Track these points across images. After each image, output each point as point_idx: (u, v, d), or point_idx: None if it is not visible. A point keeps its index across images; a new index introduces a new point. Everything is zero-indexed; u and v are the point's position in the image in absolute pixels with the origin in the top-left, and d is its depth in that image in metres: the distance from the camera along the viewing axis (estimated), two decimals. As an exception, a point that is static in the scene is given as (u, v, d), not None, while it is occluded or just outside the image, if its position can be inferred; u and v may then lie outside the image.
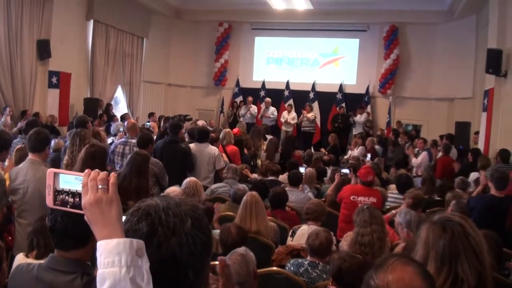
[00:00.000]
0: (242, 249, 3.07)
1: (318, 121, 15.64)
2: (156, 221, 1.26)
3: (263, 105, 15.56)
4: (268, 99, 15.61)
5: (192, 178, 5.37)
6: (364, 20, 15.84)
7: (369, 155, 10.04)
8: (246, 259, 2.91)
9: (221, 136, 8.46)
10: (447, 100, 14.72)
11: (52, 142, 7.18)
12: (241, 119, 15.15)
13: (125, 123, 7.69)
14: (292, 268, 3.78)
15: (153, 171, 5.74)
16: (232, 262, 2.91)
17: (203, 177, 7.01)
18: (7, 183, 4.30)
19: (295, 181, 6.58)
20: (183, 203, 1.33)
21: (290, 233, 4.88)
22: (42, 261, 1.93)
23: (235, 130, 9.89)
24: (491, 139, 9.70)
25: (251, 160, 9.14)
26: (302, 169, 7.43)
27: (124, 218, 1.30)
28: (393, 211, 5.34)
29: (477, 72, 12.84)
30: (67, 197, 1.32)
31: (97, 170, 1.28)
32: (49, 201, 1.34)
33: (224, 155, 7.83)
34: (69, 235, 1.74)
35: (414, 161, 10.08)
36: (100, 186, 1.25)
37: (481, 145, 10.13)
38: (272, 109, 15.44)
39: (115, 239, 1.18)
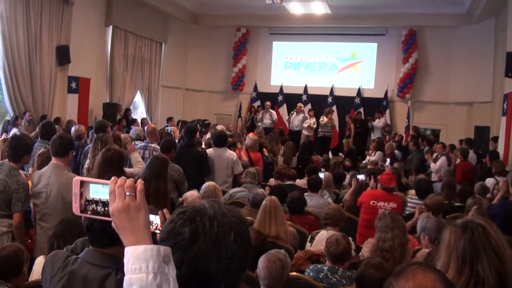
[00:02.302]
0: (282, 253, 3.06)
1: (336, 126, 15.57)
2: (200, 229, 1.26)
3: (280, 110, 15.51)
4: (268, 102, 15.60)
5: (211, 182, 5.38)
6: (382, 24, 15.77)
7: (388, 160, 9.95)
8: (284, 264, 2.90)
9: (247, 141, 8.47)
10: (466, 104, 14.57)
11: (72, 128, 7.27)
12: (259, 124, 15.15)
13: (145, 127, 7.74)
14: (311, 274, 3.76)
15: (173, 177, 5.77)
16: (269, 262, 2.89)
17: (222, 181, 7.01)
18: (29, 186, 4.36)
19: (315, 186, 6.55)
20: (230, 214, 1.32)
21: (308, 239, 4.86)
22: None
23: (251, 134, 9.89)
24: (511, 143, 9.57)
25: (270, 165, 9.13)
26: (321, 175, 7.39)
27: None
28: (415, 218, 5.26)
29: (497, 76, 12.68)
30: (97, 206, 1.33)
31: (123, 177, 1.28)
32: (75, 208, 1.35)
33: (244, 159, 7.84)
34: (106, 233, 1.75)
35: (433, 166, 9.97)
36: (127, 193, 1.25)
37: (500, 150, 9.99)
38: (273, 113, 15.43)
39: (142, 245, 1.19)
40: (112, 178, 1.28)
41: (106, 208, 1.30)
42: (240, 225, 1.32)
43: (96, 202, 1.33)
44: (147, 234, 1.23)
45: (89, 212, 1.34)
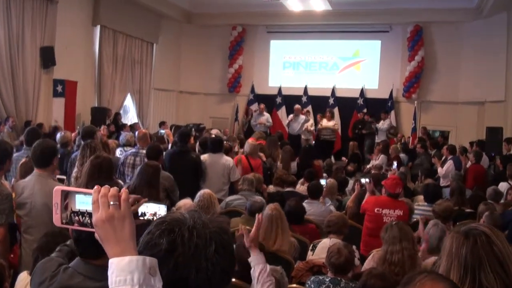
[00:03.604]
0: (278, 272, 3.08)
1: (338, 129, 15.56)
2: (178, 240, 1.27)
3: (279, 112, 15.51)
4: (262, 105, 15.60)
5: (206, 190, 5.38)
6: (386, 21, 15.79)
7: (395, 164, 9.95)
8: (280, 285, 2.92)
9: (246, 147, 8.47)
10: (477, 104, 14.57)
11: (58, 135, 7.24)
12: (257, 127, 15.11)
13: (136, 133, 7.74)
14: (312, 286, 3.75)
15: (164, 186, 5.77)
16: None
17: (218, 189, 6.99)
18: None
19: (315, 192, 6.55)
20: (211, 224, 1.33)
21: (310, 247, 4.86)
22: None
23: (250, 139, 9.89)
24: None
25: (268, 170, 9.13)
26: (323, 181, 7.39)
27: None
28: (419, 229, 5.20)
29: (509, 73, 12.72)
30: (84, 218, 1.34)
31: (107, 186, 1.29)
32: (56, 219, 1.36)
33: (239, 166, 7.84)
34: (96, 243, 1.76)
35: (440, 171, 9.95)
36: (111, 203, 1.26)
37: (514, 152, 10.02)
38: (266, 115, 15.42)
39: (128, 256, 1.19)
40: (95, 187, 1.29)
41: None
42: (222, 235, 1.33)
43: (83, 214, 1.34)
44: (133, 244, 1.24)
45: (75, 224, 1.34)
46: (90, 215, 1.32)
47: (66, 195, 1.34)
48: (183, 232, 1.28)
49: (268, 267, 2.93)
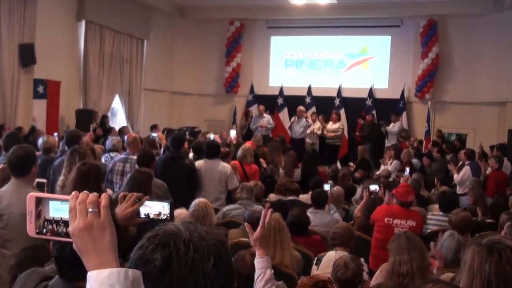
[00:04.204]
0: (281, 287, 3.06)
1: (345, 132, 15.57)
2: (174, 255, 1.26)
3: (280, 114, 15.50)
4: (261, 107, 15.65)
5: (202, 199, 5.37)
6: (397, 14, 15.82)
7: (407, 170, 9.95)
8: None
9: (239, 153, 8.46)
10: (498, 104, 14.56)
11: (40, 140, 7.21)
12: (258, 130, 15.10)
13: (125, 137, 7.72)
14: (318, 303, 3.74)
15: (157, 194, 5.75)
16: None
17: (214, 198, 7.00)
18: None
19: (320, 202, 6.53)
20: (209, 236, 1.33)
21: (315, 261, 4.84)
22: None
23: (248, 143, 9.88)
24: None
25: (269, 178, 9.11)
26: (326, 187, 7.37)
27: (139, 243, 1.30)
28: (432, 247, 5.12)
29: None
30: (58, 227, 1.32)
31: (85, 192, 1.28)
32: (30, 229, 1.34)
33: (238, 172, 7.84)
34: (79, 265, 1.75)
35: (456, 177, 9.92)
36: (90, 210, 1.25)
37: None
38: (267, 117, 15.44)
39: (108, 269, 1.18)
40: (73, 193, 1.27)
41: (68, 229, 1.30)
42: (221, 248, 1.32)
43: (57, 222, 1.33)
44: (113, 256, 1.23)
45: (48, 233, 1.33)
46: (65, 223, 1.31)
47: (39, 202, 1.33)
48: (178, 246, 1.27)
49: (269, 272, 2.89)
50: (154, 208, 2.37)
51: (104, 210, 1.26)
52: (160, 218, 2.34)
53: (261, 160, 9.26)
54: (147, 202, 2.42)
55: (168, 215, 2.25)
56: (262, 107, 15.71)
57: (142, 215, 2.36)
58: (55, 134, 10.04)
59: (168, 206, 2.33)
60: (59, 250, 1.85)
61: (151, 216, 2.33)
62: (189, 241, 1.28)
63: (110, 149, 8.10)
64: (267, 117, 15.58)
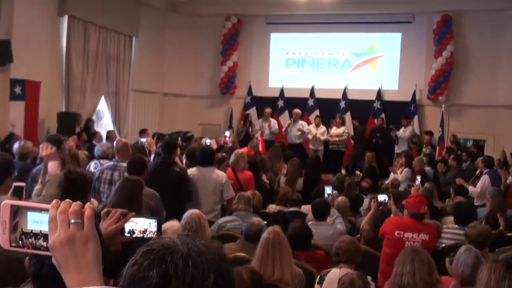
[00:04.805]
0: None
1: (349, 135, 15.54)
2: (171, 271, 1.24)
3: (281, 118, 15.52)
4: (268, 109, 15.70)
5: (195, 211, 5.36)
6: (408, 9, 15.85)
7: (418, 178, 9.95)
8: None
9: (232, 158, 8.44)
10: (519, 107, 14.58)
11: (16, 145, 7.18)
12: (257, 135, 15.09)
13: (114, 143, 7.71)
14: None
15: (148, 205, 5.74)
16: None
17: (208, 209, 7.01)
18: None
19: (321, 212, 6.51)
20: (208, 251, 1.32)
21: (317, 280, 4.83)
22: None
23: (245, 149, 9.87)
24: None
25: (268, 188, 9.10)
26: (328, 190, 7.34)
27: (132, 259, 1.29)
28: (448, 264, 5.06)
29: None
30: (37, 240, 1.31)
31: (68, 200, 1.26)
32: (3, 241, 1.32)
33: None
34: (60, 283, 1.74)
35: (471, 190, 9.88)
36: (72, 221, 1.23)
37: None
38: (273, 121, 15.51)
39: (90, 287, 1.17)
40: (53, 201, 1.26)
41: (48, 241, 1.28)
42: (221, 263, 1.31)
43: (36, 235, 1.31)
44: (97, 272, 1.22)
45: (25, 247, 1.31)
46: (45, 237, 1.29)
47: (16, 212, 1.31)
48: (176, 261, 1.25)
49: None
50: (140, 224, 2.36)
51: (88, 221, 1.25)
52: (146, 236, 2.32)
53: (263, 176, 9.23)
54: (132, 218, 2.40)
55: (155, 233, 2.24)
56: (269, 110, 15.67)
57: (127, 232, 2.34)
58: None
59: (156, 223, 2.32)
60: (37, 265, 1.83)
61: (136, 233, 2.32)
62: (188, 256, 1.27)
63: (100, 156, 8.08)
64: (273, 121, 15.57)
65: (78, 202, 1.26)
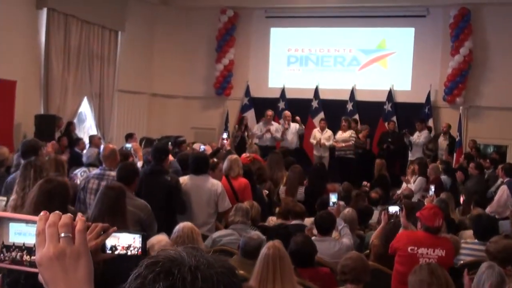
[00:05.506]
0: None
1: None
2: (179, 284, 1.25)
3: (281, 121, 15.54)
4: (270, 111, 15.61)
5: (187, 224, 5.35)
6: (422, 2, 15.95)
7: (432, 188, 9.95)
8: None
9: (225, 165, 8.42)
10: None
11: None
12: (257, 140, 15.08)
13: (101, 149, 7.70)
14: None
15: (138, 218, 5.73)
16: None
17: (202, 222, 6.98)
18: None
19: (325, 227, 6.50)
20: (217, 264, 1.33)
21: (322, 300, 4.83)
22: None
23: (242, 156, 9.85)
24: None
25: (266, 198, 9.09)
26: (334, 198, 7.33)
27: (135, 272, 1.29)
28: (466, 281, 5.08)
29: None
30: (19, 254, 1.30)
31: (57, 212, 1.26)
32: None
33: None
34: None
35: (488, 209, 9.87)
36: (62, 235, 1.23)
37: None
38: (276, 125, 15.46)
39: None
40: (41, 213, 1.26)
41: (33, 257, 1.28)
42: (231, 277, 1.32)
43: (19, 248, 1.31)
44: None
45: (6, 261, 1.31)
46: (29, 250, 1.29)
47: None
48: (183, 274, 1.26)
49: None
50: (122, 240, 2.34)
51: (79, 235, 1.25)
52: (129, 252, 2.31)
53: (264, 191, 9.21)
54: (115, 233, 2.39)
55: (140, 249, 2.23)
56: (271, 112, 15.57)
57: (108, 248, 2.33)
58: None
59: (140, 238, 2.31)
60: (11, 284, 1.83)
61: (119, 249, 2.30)
62: (196, 269, 1.27)
63: (89, 163, 8.08)
64: (276, 125, 15.50)
65: (69, 215, 1.27)
